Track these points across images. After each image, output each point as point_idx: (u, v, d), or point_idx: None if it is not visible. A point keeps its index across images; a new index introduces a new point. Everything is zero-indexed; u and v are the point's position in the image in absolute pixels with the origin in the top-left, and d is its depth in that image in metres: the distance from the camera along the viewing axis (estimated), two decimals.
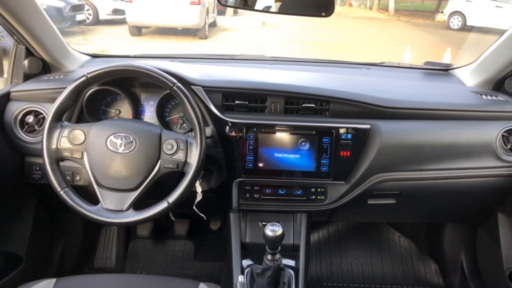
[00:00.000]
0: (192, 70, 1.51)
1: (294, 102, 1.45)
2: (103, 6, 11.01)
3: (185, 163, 1.26)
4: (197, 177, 1.27)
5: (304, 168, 1.45)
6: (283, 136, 1.44)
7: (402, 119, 1.47)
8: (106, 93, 1.52)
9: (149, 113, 1.57)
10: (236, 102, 1.44)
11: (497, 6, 12.74)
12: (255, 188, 1.49)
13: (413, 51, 6.89)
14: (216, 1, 11.64)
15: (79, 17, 9.52)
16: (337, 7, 21.84)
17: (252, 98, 1.45)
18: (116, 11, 11.05)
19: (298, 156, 1.44)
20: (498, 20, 11.73)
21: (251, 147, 1.44)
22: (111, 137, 1.25)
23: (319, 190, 1.49)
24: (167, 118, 1.55)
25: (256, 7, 1.11)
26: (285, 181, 1.48)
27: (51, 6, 8.59)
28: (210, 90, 1.42)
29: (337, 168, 1.45)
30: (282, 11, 1.07)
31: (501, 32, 1.57)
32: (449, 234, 2.03)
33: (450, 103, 1.51)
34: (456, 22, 14.01)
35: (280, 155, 1.44)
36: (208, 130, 1.39)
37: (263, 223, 1.53)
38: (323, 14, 1.04)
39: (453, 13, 14.07)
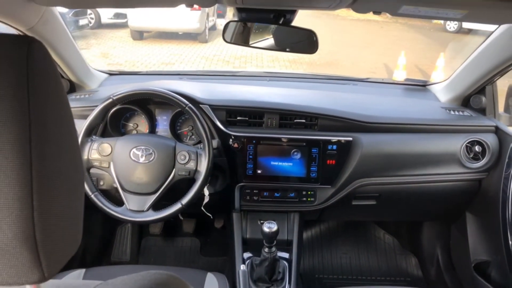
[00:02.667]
0: (201, 90, 1.75)
1: (287, 118, 1.69)
2: (105, 10, 11.18)
3: (196, 171, 1.51)
4: (205, 183, 1.52)
5: (296, 174, 1.70)
6: (278, 147, 1.67)
7: (380, 132, 1.71)
8: (126, 110, 1.75)
9: (163, 127, 1.81)
10: (238, 118, 1.69)
11: None
12: (255, 191, 1.73)
13: (407, 55, 7.08)
14: (215, 6, 11.81)
15: (82, 21, 9.70)
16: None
17: (251, 115, 1.69)
18: (118, 15, 11.22)
19: (291, 164, 1.69)
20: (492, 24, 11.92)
21: (251, 156, 1.68)
22: (134, 150, 1.49)
23: (309, 193, 1.73)
24: (178, 131, 1.79)
25: (256, 45, 1.35)
26: (280, 185, 1.71)
27: None
28: (216, 108, 1.67)
29: (324, 174, 1.70)
30: (276, 47, 1.32)
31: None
32: (427, 231, 2.28)
33: (422, 118, 1.75)
34: (452, 25, 14.22)
35: (276, 163, 1.69)
36: (215, 143, 1.64)
37: (261, 221, 1.77)
38: (310, 51, 1.29)
39: None
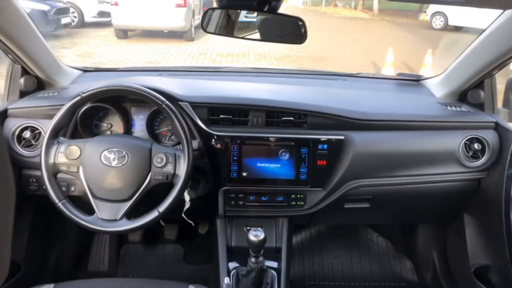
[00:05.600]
0: (180, 86, 1.61)
1: (274, 115, 1.57)
2: (89, 8, 10.99)
3: (174, 175, 1.37)
4: (185, 188, 1.38)
5: (285, 176, 1.57)
6: (264, 147, 1.55)
7: (373, 130, 1.60)
8: (98, 109, 1.61)
9: (139, 127, 1.67)
10: (221, 116, 1.55)
11: None
12: (240, 195, 1.60)
13: (394, 52, 7.03)
14: (201, 3, 11.77)
15: (64, 20, 9.50)
16: (322, 7, 22.07)
17: (235, 112, 1.56)
18: (101, 14, 11.03)
19: (279, 165, 1.56)
20: (479, 20, 12.02)
21: (235, 158, 1.55)
22: (105, 152, 1.35)
23: (298, 196, 1.61)
24: (156, 131, 1.66)
25: (238, 35, 1.23)
26: (267, 188, 1.59)
27: (36, 9, 8.55)
28: (197, 105, 1.53)
29: (315, 176, 1.58)
30: (262, 39, 1.20)
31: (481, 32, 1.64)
32: (422, 234, 2.18)
33: (417, 115, 1.64)
34: (438, 22, 14.31)
35: (262, 164, 1.56)
36: (195, 143, 1.50)
37: (248, 227, 1.65)
38: (297, 42, 1.16)
39: (435, 13, 14.36)
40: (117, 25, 9.85)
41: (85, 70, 2.01)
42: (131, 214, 1.36)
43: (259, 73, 2.07)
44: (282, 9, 1.15)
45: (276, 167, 1.56)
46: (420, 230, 2.18)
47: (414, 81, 2.07)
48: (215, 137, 1.52)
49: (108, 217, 1.34)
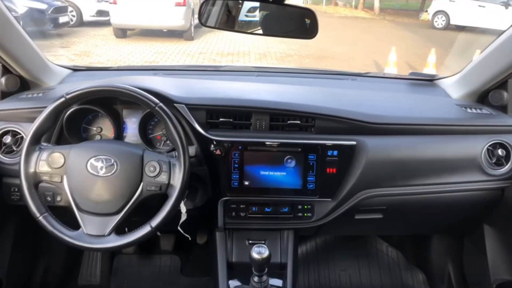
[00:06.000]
0: (175, 86, 1.48)
1: (279, 119, 1.43)
2: (87, 7, 10.87)
3: (168, 185, 1.23)
4: (180, 200, 1.25)
5: (291, 186, 1.43)
6: (268, 154, 1.41)
7: (387, 134, 1.46)
8: (87, 111, 1.48)
9: (132, 130, 1.53)
10: (221, 119, 1.42)
11: (479, 6, 12.94)
12: (241, 206, 1.46)
13: (397, 51, 6.89)
14: (200, 2, 11.58)
15: (62, 19, 9.36)
16: (323, 7, 21.95)
17: (237, 115, 1.42)
18: (100, 13, 10.91)
19: (284, 173, 1.42)
20: (481, 19, 11.90)
21: (236, 165, 1.41)
22: (92, 160, 1.21)
23: (306, 207, 1.47)
24: (150, 136, 1.52)
25: (239, 30, 1.09)
26: (271, 199, 1.45)
27: (33, 8, 8.44)
28: (194, 107, 1.39)
29: (324, 185, 1.44)
30: (265, 33, 1.06)
31: (483, 31, 1.54)
32: (436, 244, 2.04)
33: (435, 118, 1.51)
34: (440, 21, 14.19)
35: (266, 172, 1.42)
36: (192, 150, 1.36)
37: (250, 241, 1.51)
38: (307, 36, 1.02)
39: (437, 13, 14.27)
40: (116, 24, 9.72)
41: (75, 69, 1.87)
42: (121, 229, 1.22)
43: (261, 72, 1.93)
44: None
45: (281, 176, 1.42)
46: (434, 241, 2.04)
47: (427, 81, 1.93)
48: (214, 143, 1.38)
49: (95, 233, 1.20)
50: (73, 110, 1.40)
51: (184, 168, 1.22)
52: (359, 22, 17.06)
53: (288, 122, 1.42)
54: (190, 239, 1.53)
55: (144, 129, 1.49)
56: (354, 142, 1.42)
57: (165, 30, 10.13)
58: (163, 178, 1.23)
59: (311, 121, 1.43)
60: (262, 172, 1.42)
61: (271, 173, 1.42)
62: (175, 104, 1.38)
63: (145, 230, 1.21)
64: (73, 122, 1.44)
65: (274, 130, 1.44)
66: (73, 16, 10.58)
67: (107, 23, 10.32)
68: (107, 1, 10.18)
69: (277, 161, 1.41)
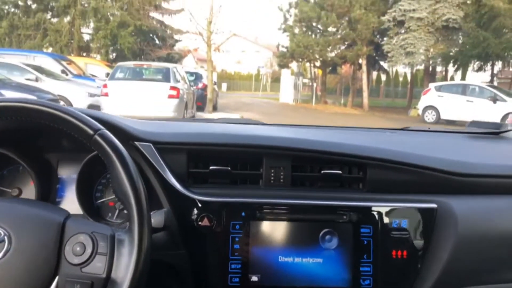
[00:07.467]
0: (141, 122, 0.95)
1: (307, 166, 0.88)
2: (78, 101, 10.82)
3: (108, 280, 0.63)
4: None
5: (332, 283, 0.82)
6: (292, 226, 0.84)
7: (484, 193, 0.90)
8: (1, 161, 0.92)
9: (71, 194, 0.96)
10: (211, 168, 0.86)
11: (468, 101, 13.27)
12: None
13: None
14: (194, 97, 11.62)
15: None
16: (313, 104, 22.59)
17: (237, 161, 0.87)
18: (92, 107, 10.84)
19: (320, 260, 0.83)
20: (470, 114, 12.04)
21: (237, 246, 0.82)
22: None
23: None
24: (99, 201, 0.95)
25: None
26: None
27: None
28: (167, 148, 0.84)
29: (388, 278, 0.84)
30: None
31: None
32: None
33: None
34: (430, 116, 14.46)
35: (289, 259, 0.83)
36: (160, 217, 0.77)
37: None
38: None
39: (427, 108, 14.59)
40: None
41: None
42: None
43: (273, 125, 1.41)
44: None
45: (315, 264, 0.83)
46: None
47: (491, 134, 1.42)
48: (200, 205, 0.81)
49: None
50: None
51: (140, 249, 0.63)
52: (350, 118, 17.32)
53: (323, 172, 0.87)
54: None
55: (86, 190, 0.92)
56: (434, 205, 0.85)
57: None
58: (97, 266, 0.64)
59: (358, 171, 0.88)
60: (281, 259, 0.83)
61: (297, 259, 0.83)
62: (135, 142, 0.83)
63: None
64: None
65: (298, 185, 0.88)
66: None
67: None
68: (99, 96, 10.17)
69: (307, 239, 0.84)
